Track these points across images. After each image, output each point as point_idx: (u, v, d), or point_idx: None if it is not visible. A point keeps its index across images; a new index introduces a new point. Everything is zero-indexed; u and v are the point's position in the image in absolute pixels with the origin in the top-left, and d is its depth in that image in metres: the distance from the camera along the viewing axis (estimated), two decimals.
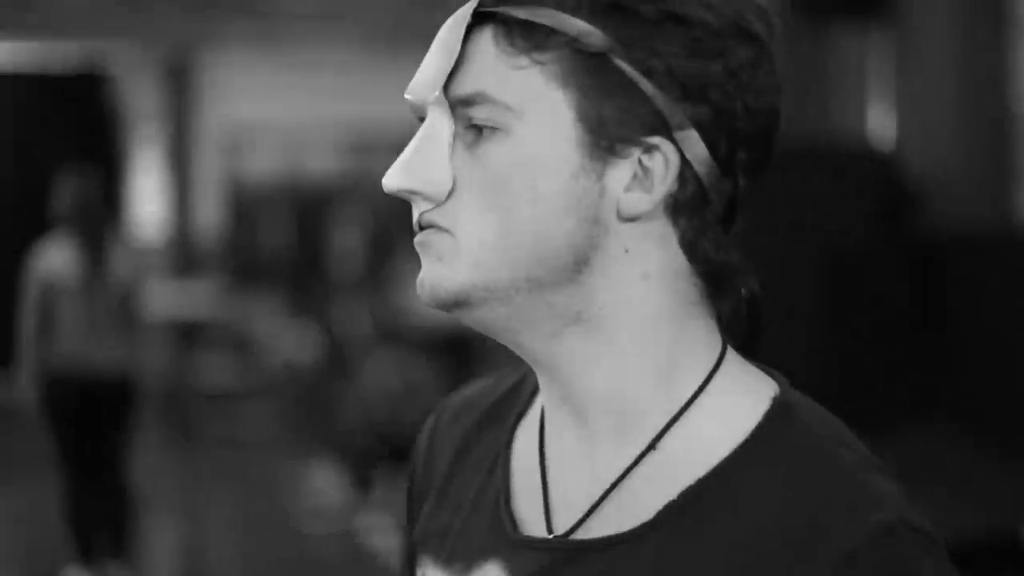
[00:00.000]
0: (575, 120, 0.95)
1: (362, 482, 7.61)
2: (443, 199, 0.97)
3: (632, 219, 0.96)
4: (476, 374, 9.12)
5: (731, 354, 1.01)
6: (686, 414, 0.98)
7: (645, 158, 0.95)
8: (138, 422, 6.52)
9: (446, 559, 1.06)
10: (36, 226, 11.92)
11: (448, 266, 0.98)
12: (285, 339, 10.87)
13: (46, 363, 5.98)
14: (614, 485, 0.98)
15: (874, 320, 6.03)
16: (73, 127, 12.98)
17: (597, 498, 0.99)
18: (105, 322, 6.10)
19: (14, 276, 12.20)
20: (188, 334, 12.12)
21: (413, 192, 0.98)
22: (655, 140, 0.95)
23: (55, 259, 6.05)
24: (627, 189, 0.96)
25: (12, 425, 10.66)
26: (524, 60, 0.95)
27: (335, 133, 12.99)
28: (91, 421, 6.11)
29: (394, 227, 11.82)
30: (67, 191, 6.15)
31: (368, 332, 10.00)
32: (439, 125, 0.97)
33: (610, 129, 0.95)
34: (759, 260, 1.03)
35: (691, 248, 0.97)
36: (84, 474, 6.14)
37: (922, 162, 6.59)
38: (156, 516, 7.34)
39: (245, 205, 13.18)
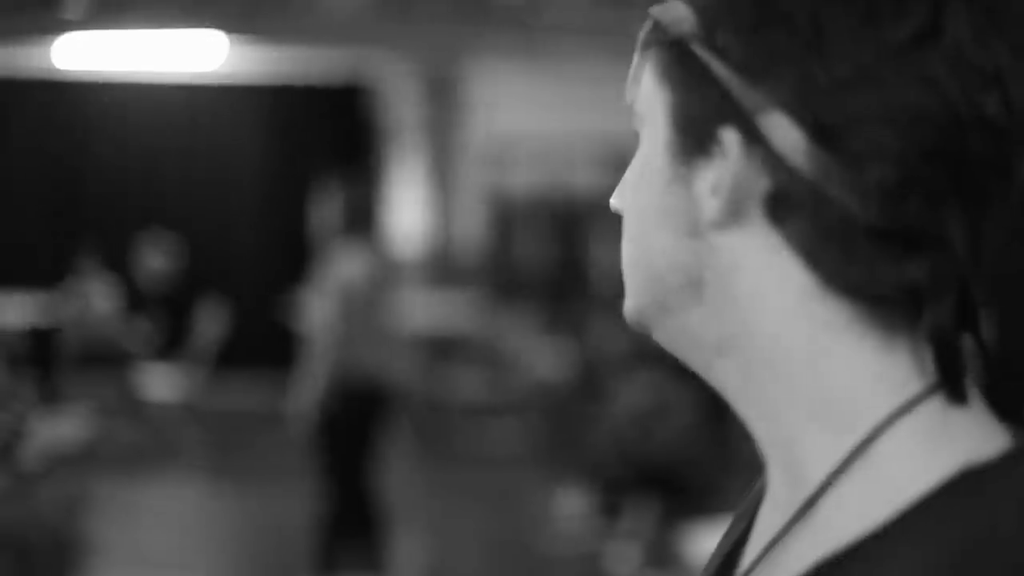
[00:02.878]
0: (667, 122, 0.84)
1: (610, 508, 7.43)
2: None
3: (722, 229, 0.81)
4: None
5: (938, 401, 0.79)
6: (848, 471, 0.79)
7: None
8: (394, 435, 6.53)
9: None
10: (298, 235, 12.09)
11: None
12: (539, 356, 10.76)
13: (344, 372, 5.93)
14: (768, 547, 0.84)
15: None
16: (335, 137, 13.17)
17: (757, 555, 0.86)
18: (386, 333, 6.10)
19: (273, 282, 12.43)
20: (443, 347, 12.11)
21: (617, 212, 0.92)
22: (722, 130, 0.80)
23: (352, 268, 5.98)
24: (714, 193, 0.82)
25: (256, 430, 10.84)
26: (644, 61, 0.88)
27: (597, 147, 12.82)
28: (365, 432, 6.10)
29: None
30: (352, 200, 6.10)
31: (624, 351, 9.79)
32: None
33: (697, 127, 0.82)
34: None
35: (813, 259, 0.79)
36: (346, 485, 6.13)
37: None
38: (403, 530, 7.28)
39: (506, 218, 13.12)
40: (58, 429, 8.02)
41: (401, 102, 13.16)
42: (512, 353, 11.10)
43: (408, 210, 12.97)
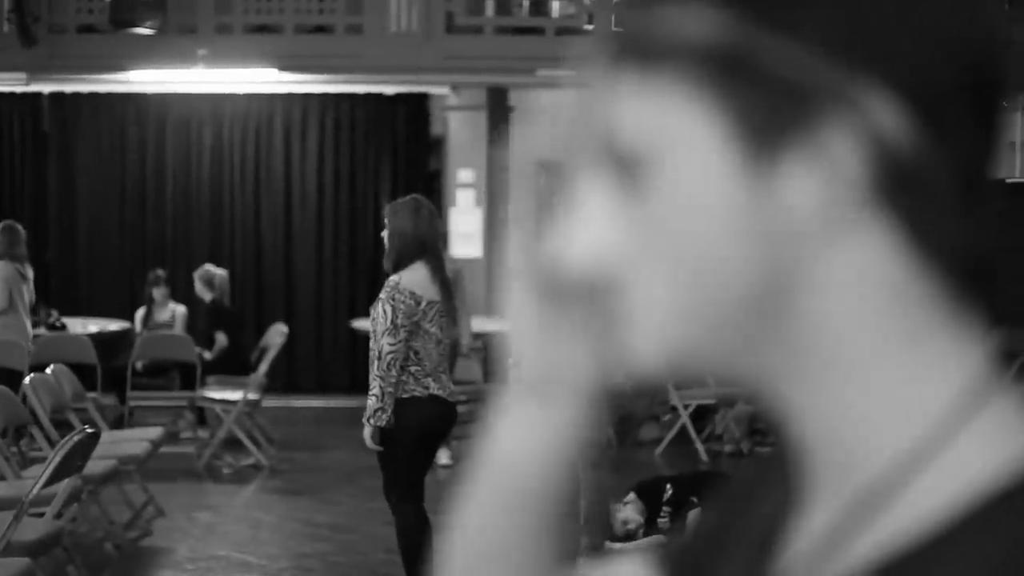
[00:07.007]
0: (726, 138, 0.76)
1: (669, 516, 7.41)
2: None
3: (820, 228, 0.74)
4: None
5: (1005, 393, 0.76)
6: (918, 468, 0.74)
7: None
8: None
9: None
10: (362, 251, 12.23)
11: None
12: None
13: (409, 384, 6.06)
14: (822, 544, 0.78)
15: None
16: (400, 152, 13.25)
17: (806, 551, 0.80)
18: (447, 345, 6.25)
19: (339, 299, 12.48)
20: (502, 354, 12.14)
21: (601, 275, 0.85)
22: (812, 121, 0.73)
23: (424, 286, 6.06)
24: (812, 192, 0.74)
25: (323, 443, 10.91)
26: (647, 86, 0.78)
27: None
28: (428, 446, 6.22)
29: None
30: (423, 219, 6.17)
31: None
32: None
33: (776, 128, 0.74)
34: None
35: (922, 235, 0.74)
36: (411, 496, 6.20)
37: None
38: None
39: None
40: (128, 441, 8.20)
41: (463, 117, 13.26)
42: None
43: (467, 221, 13.06)
